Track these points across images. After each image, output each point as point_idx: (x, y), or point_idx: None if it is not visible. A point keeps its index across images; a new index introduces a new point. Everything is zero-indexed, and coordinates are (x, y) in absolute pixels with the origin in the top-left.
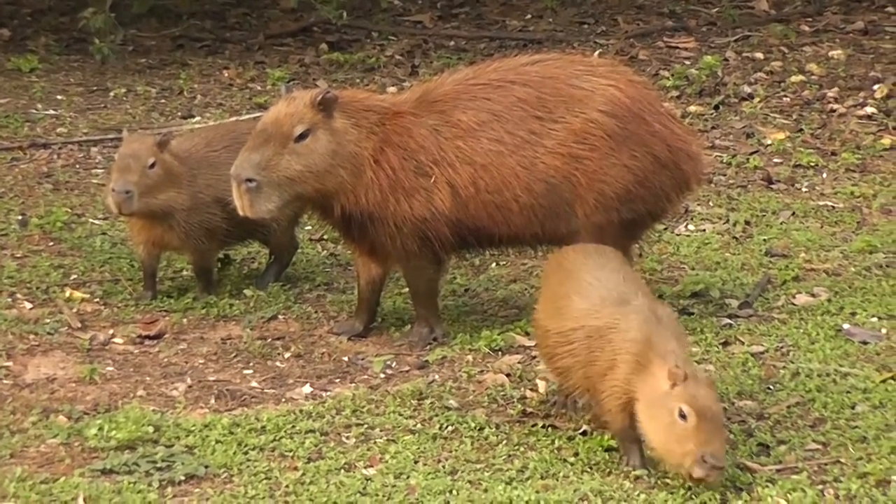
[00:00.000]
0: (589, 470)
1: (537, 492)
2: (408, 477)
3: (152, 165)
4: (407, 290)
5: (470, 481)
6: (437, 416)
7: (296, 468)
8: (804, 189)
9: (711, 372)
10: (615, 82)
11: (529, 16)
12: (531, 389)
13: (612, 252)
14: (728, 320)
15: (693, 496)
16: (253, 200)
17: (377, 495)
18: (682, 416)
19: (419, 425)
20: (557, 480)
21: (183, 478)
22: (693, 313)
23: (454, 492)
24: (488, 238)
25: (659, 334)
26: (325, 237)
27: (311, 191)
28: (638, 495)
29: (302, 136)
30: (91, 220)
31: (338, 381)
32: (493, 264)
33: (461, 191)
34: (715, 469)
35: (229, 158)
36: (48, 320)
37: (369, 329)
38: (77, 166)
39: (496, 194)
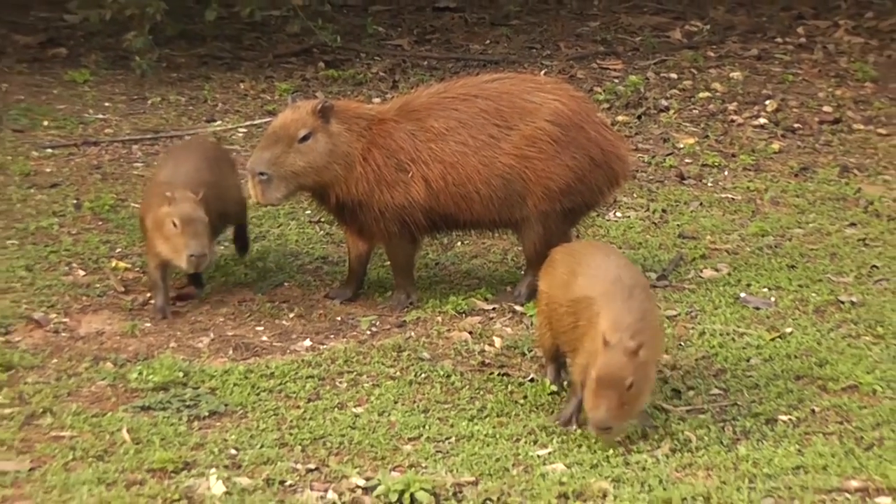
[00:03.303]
0: (536, 410)
1: (494, 427)
2: (389, 414)
3: None
4: (388, 263)
5: (439, 418)
6: (412, 365)
7: (298, 406)
8: (709, 184)
9: None
10: (559, 97)
11: (488, 41)
12: (489, 345)
13: (610, 247)
14: None
15: None
16: (264, 190)
17: (364, 429)
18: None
19: (398, 373)
20: (510, 418)
21: (207, 413)
22: None
23: (427, 426)
24: (454, 222)
25: (619, 309)
26: (322, 220)
27: (312, 183)
28: (574, 430)
29: (305, 138)
30: (132, 204)
31: (332, 336)
32: (459, 243)
33: (433, 184)
34: (598, 429)
35: None
36: (97, 285)
37: (358, 295)
38: (121, 160)
39: (461, 187)
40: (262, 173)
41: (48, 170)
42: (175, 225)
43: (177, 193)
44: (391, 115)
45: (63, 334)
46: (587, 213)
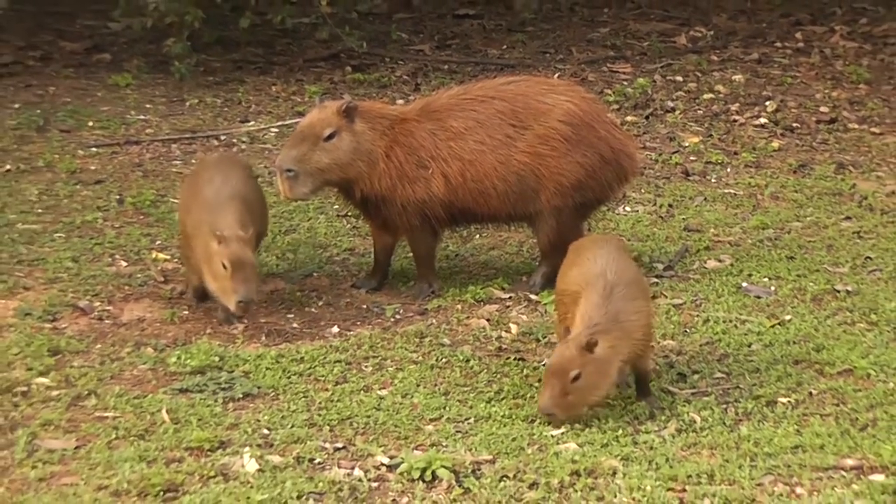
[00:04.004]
0: None
1: (510, 408)
2: (412, 396)
3: None
4: (411, 255)
5: (459, 400)
6: (434, 350)
7: (327, 389)
8: (713, 180)
9: None
10: (571, 98)
11: (505, 46)
12: (506, 331)
13: (614, 242)
14: (655, 279)
15: (628, 411)
16: (292, 186)
17: (389, 410)
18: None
19: (420, 358)
20: (525, 400)
21: (241, 395)
22: None
23: (447, 408)
24: (473, 216)
25: (592, 305)
26: (349, 214)
27: (337, 178)
28: (586, 411)
29: (330, 137)
30: (171, 199)
31: (359, 323)
32: (477, 236)
33: (452, 180)
34: (543, 414)
35: None
36: (139, 275)
37: (383, 284)
38: (161, 158)
39: (479, 183)
40: (289, 170)
41: (93, 167)
42: (225, 267)
43: (227, 231)
44: (413, 115)
45: (107, 321)
46: (598, 208)
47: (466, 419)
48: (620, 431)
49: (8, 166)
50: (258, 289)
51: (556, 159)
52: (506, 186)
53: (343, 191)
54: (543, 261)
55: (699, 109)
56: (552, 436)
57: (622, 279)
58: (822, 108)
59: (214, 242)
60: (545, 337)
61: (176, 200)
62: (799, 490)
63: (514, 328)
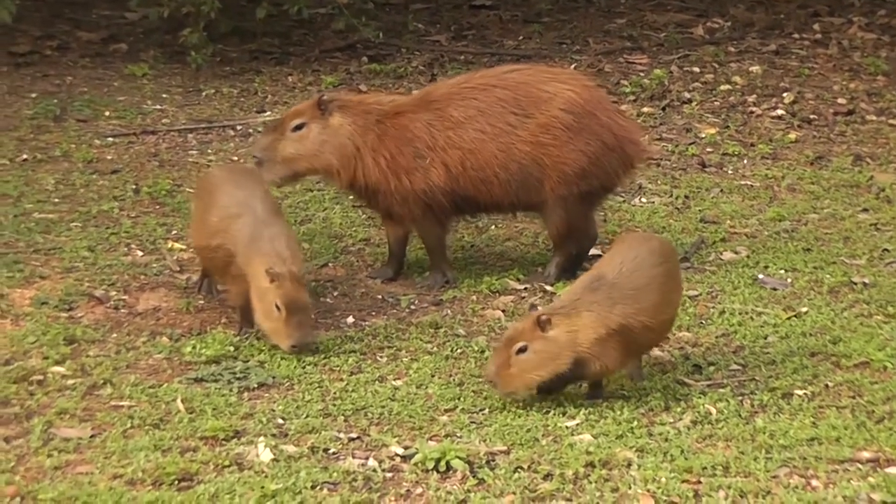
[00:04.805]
0: None
1: (525, 399)
2: (427, 387)
3: None
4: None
5: (474, 391)
6: (449, 341)
7: (341, 379)
8: (730, 171)
9: None
10: (572, 87)
11: (522, 37)
12: None
13: (653, 244)
14: None
15: (643, 402)
16: (261, 172)
17: (403, 400)
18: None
19: (435, 348)
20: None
21: (256, 385)
22: None
23: (462, 398)
24: (476, 205)
25: (569, 293)
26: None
27: (304, 169)
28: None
29: (297, 128)
30: (187, 189)
31: (374, 313)
32: (493, 227)
33: (452, 169)
34: (487, 380)
35: None
36: (155, 265)
37: (398, 275)
38: (177, 148)
39: (480, 171)
40: (255, 157)
41: (109, 157)
42: (279, 309)
43: (278, 267)
44: (409, 107)
45: (122, 311)
46: (605, 196)
47: (481, 410)
48: (635, 423)
49: (25, 156)
50: (313, 331)
51: (558, 148)
52: (507, 175)
53: (331, 182)
54: (556, 251)
55: (716, 101)
56: (567, 427)
57: (626, 283)
58: (840, 100)
59: (266, 280)
60: None
61: (192, 191)
62: (815, 482)
63: None
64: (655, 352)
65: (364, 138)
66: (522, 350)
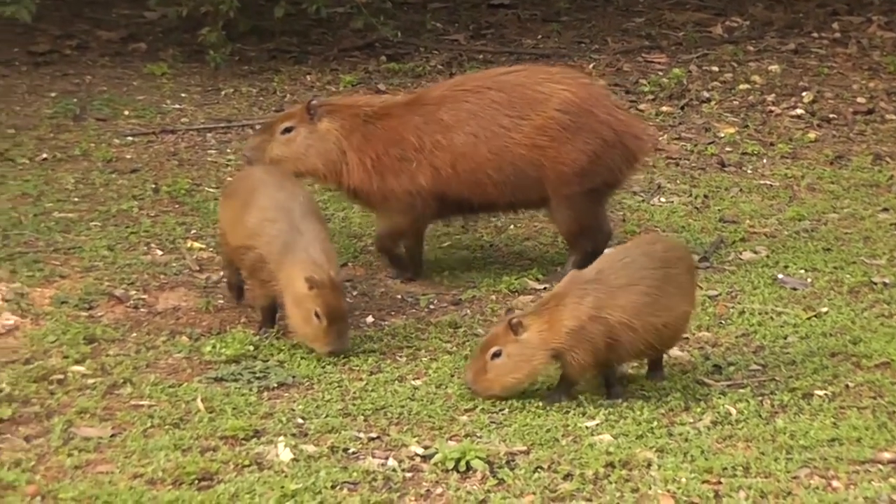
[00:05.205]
0: (583, 383)
1: (543, 398)
2: (446, 387)
3: None
4: (446, 245)
5: None
6: (468, 341)
7: (361, 379)
8: (749, 171)
9: None
10: (568, 87)
11: (540, 36)
12: None
13: (655, 245)
14: None
15: (663, 402)
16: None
17: (423, 400)
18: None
19: (454, 348)
20: None
21: (276, 385)
22: None
23: (481, 398)
24: (470, 205)
25: (554, 292)
26: None
27: (289, 171)
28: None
29: (286, 131)
30: (206, 188)
31: (393, 313)
32: (512, 226)
33: (442, 171)
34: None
35: None
36: (174, 264)
37: (418, 274)
38: (196, 147)
39: (472, 174)
40: (245, 155)
41: (128, 156)
42: (318, 317)
43: (317, 274)
44: (399, 109)
45: (142, 310)
46: (612, 192)
47: (500, 410)
48: (655, 423)
49: (44, 155)
50: (349, 335)
51: (555, 149)
52: (501, 177)
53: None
54: (572, 250)
55: (735, 100)
56: (587, 427)
57: (607, 279)
58: (859, 99)
59: (304, 286)
60: None
61: (211, 190)
62: (835, 483)
63: None
64: (675, 351)
65: (349, 140)
66: (497, 355)
